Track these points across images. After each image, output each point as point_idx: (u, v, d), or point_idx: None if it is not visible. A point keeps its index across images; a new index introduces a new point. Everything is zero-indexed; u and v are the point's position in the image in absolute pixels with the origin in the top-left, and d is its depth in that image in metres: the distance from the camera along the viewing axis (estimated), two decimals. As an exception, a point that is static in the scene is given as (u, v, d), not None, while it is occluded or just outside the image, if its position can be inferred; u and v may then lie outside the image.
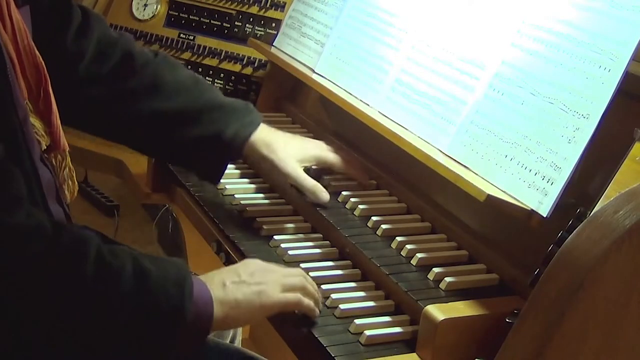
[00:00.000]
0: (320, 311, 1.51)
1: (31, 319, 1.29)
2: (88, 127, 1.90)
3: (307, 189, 1.82)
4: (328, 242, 1.79)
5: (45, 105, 1.51)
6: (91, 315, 1.29)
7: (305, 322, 1.50)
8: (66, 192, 1.58)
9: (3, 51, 1.38)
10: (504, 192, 1.55)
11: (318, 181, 1.86)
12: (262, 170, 1.99)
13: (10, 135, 1.37)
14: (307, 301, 1.49)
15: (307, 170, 1.89)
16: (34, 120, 1.47)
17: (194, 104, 1.82)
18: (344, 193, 1.87)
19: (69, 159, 1.58)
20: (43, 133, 1.49)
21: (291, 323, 1.51)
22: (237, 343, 2.04)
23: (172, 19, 2.61)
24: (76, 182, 1.61)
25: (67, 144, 1.56)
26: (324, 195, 1.81)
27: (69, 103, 1.60)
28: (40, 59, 1.50)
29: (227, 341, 1.96)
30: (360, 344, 1.47)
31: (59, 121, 1.54)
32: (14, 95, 1.39)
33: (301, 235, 1.81)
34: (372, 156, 2.02)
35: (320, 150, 1.93)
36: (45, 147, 1.51)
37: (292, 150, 1.86)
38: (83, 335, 1.31)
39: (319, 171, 1.94)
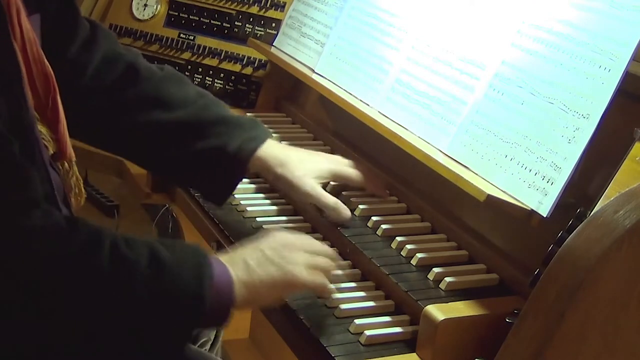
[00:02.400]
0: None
1: (50, 317, 1.30)
2: (91, 139, 1.85)
3: (328, 207, 1.75)
4: (328, 242, 1.79)
5: (53, 114, 1.51)
6: (109, 307, 1.30)
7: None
8: (72, 199, 1.58)
9: (18, 59, 1.39)
10: (504, 192, 1.55)
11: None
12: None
13: (24, 134, 1.38)
14: (332, 287, 1.50)
15: (325, 187, 1.81)
16: (41, 127, 1.48)
17: (198, 117, 1.77)
18: (344, 193, 1.86)
19: (75, 168, 1.58)
20: (49, 139, 1.50)
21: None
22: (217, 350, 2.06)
23: (172, 19, 2.61)
24: (83, 191, 1.61)
25: (73, 154, 1.57)
26: (346, 212, 1.75)
27: (72, 114, 1.59)
28: (50, 68, 1.50)
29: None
30: (360, 344, 1.47)
31: (66, 131, 1.54)
32: (27, 101, 1.41)
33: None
34: (372, 156, 2.02)
35: (336, 164, 1.85)
36: (52, 154, 1.52)
37: (308, 167, 1.78)
38: (101, 328, 1.32)
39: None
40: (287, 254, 1.45)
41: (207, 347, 1.99)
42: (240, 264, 1.41)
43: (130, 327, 1.33)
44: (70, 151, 1.56)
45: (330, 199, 1.76)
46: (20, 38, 1.42)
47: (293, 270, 1.43)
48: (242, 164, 1.76)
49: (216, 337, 2.03)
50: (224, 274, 1.38)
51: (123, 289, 1.30)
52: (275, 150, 1.78)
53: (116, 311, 1.31)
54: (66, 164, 1.55)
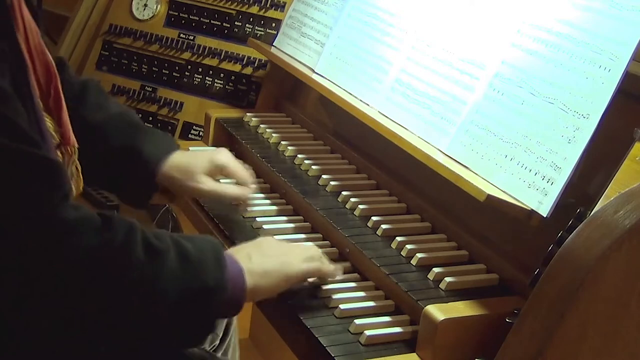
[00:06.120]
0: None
1: (87, 309, 1.32)
2: None
3: (205, 193, 1.83)
4: (328, 242, 1.79)
5: (55, 103, 1.52)
6: (144, 298, 1.34)
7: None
8: (73, 186, 1.59)
9: (23, 51, 1.40)
10: (504, 192, 1.55)
11: (319, 179, 1.88)
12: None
13: (36, 126, 1.40)
14: (326, 268, 1.59)
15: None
16: (46, 117, 1.49)
17: (113, 121, 1.83)
18: (343, 193, 1.87)
19: (76, 156, 1.60)
20: (53, 132, 1.51)
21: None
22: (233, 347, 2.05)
23: (172, 19, 2.61)
24: (82, 178, 1.62)
25: (75, 141, 1.58)
26: (231, 190, 1.85)
27: None
28: (50, 57, 1.51)
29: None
30: (360, 344, 1.47)
31: (67, 118, 1.56)
32: (33, 93, 1.42)
33: (301, 235, 1.81)
34: (372, 156, 2.02)
35: (211, 155, 1.88)
36: (57, 143, 1.53)
37: (194, 167, 1.84)
38: (134, 318, 1.35)
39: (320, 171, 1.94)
40: (282, 249, 1.56)
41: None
42: (244, 257, 1.48)
43: (161, 316, 1.36)
44: (73, 138, 1.58)
45: (206, 186, 1.81)
46: (22, 28, 1.42)
47: (290, 261, 1.53)
48: (152, 168, 1.81)
49: (223, 339, 2.02)
50: (235, 264, 1.45)
51: (156, 279, 1.35)
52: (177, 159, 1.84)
53: (150, 302, 1.34)
54: (67, 152, 1.57)
